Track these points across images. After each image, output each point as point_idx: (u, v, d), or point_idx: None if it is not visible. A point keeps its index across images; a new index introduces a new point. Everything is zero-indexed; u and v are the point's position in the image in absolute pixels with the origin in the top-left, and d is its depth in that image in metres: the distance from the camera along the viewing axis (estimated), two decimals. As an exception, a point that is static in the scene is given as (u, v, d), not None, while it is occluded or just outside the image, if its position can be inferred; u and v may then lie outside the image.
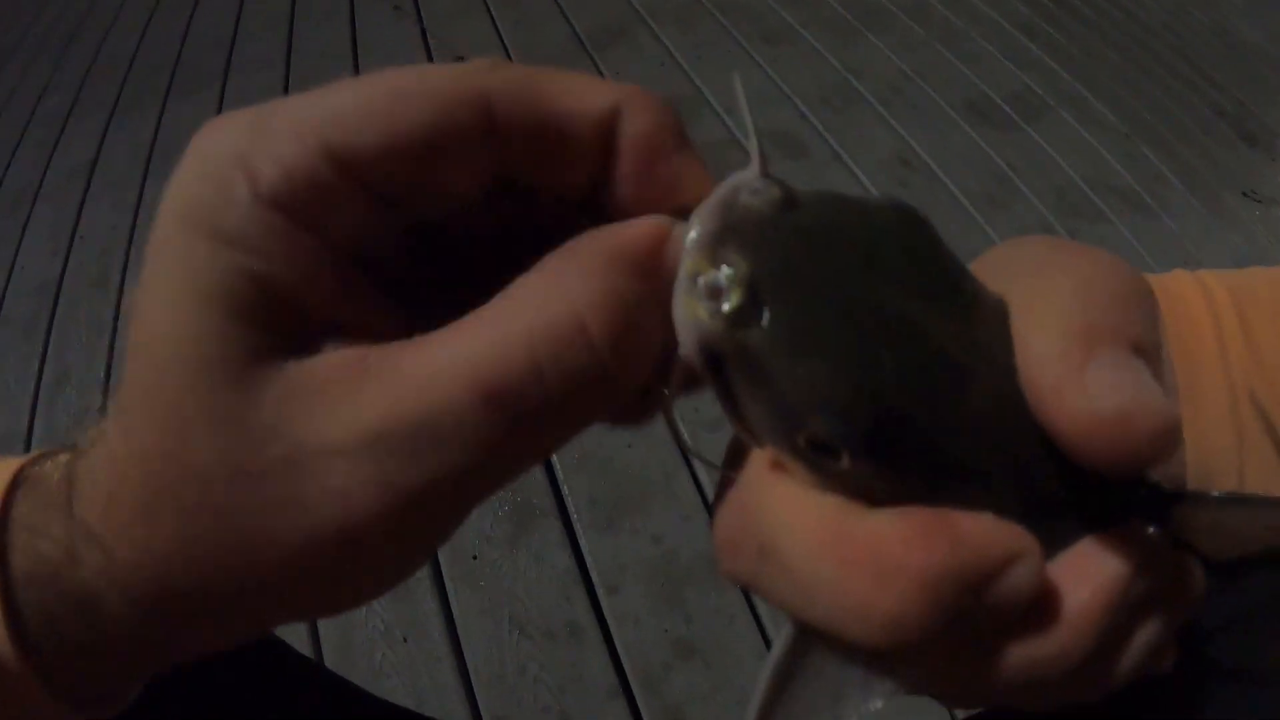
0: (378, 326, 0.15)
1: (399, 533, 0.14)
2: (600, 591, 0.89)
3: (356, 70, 1.66)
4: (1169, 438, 0.13)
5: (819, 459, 0.14)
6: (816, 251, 0.14)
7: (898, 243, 0.15)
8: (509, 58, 1.62)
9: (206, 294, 0.14)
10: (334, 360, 0.14)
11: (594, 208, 0.16)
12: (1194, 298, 0.23)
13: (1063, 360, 0.14)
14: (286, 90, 1.65)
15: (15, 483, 0.17)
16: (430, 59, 1.64)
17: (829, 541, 0.14)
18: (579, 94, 0.15)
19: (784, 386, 0.13)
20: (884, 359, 0.13)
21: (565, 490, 0.96)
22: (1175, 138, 1.40)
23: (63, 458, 0.17)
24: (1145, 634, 0.15)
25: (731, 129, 1.39)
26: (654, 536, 0.92)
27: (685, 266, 0.14)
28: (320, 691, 0.33)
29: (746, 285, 0.13)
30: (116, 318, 1.31)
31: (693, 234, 0.14)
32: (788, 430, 0.14)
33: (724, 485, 0.16)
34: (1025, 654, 0.14)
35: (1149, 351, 0.14)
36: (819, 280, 0.14)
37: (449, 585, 0.91)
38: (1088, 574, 0.14)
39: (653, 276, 0.14)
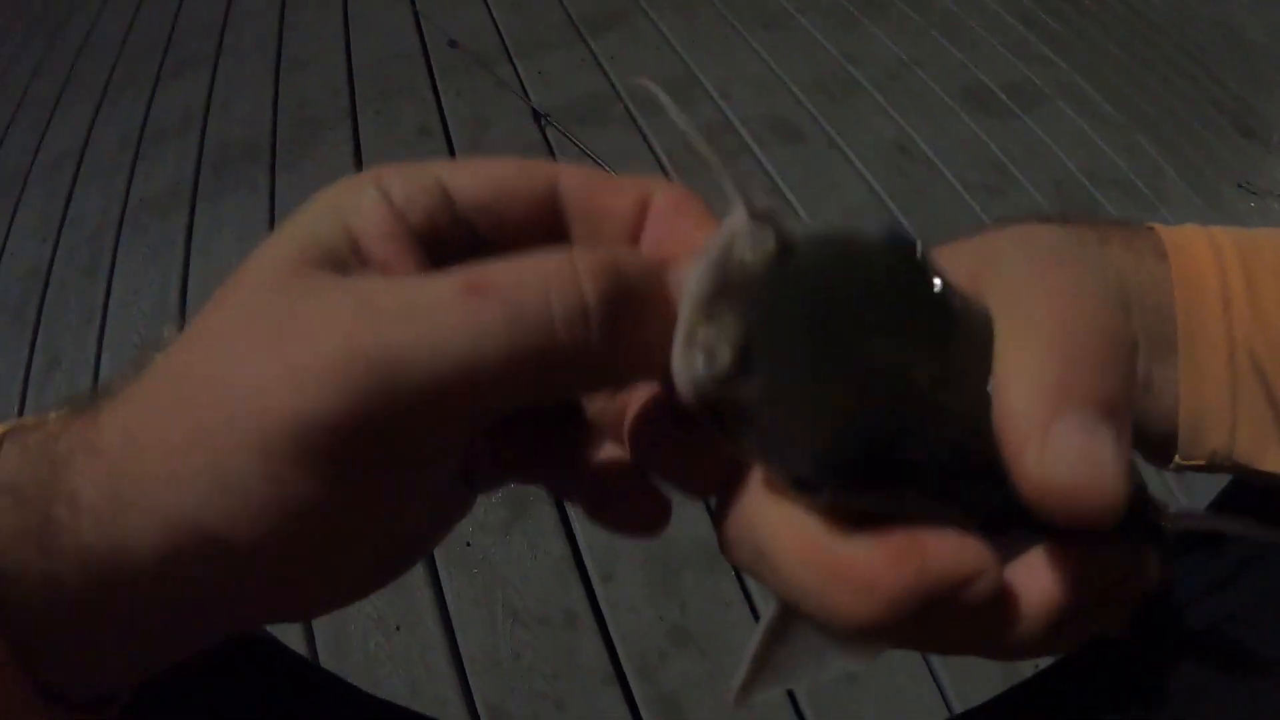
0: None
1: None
2: (595, 579, 0.89)
3: (349, 54, 1.64)
4: (1112, 513, 0.14)
5: (803, 492, 0.16)
6: (805, 307, 0.15)
7: (888, 286, 0.16)
8: (502, 42, 1.61)
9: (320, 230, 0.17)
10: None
11: None
12: (1203, 253, 0.23)
13: (1029, 417, 0.14)
14: (278, 75, 1.63)
15: None
16: (423, 43, 1.62)
17: (814, 559, 0.16)
18: (623, 191, 0.18)
19: (770, 434, 0.15)
20: (861, 410, 0.15)
21: (560, 477, 0.96)
22: (1173, 130, 1.40)
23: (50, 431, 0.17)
24: (1094, 617, 0.17)
25: (727, 113, 1.38)
26: (649, 524, 0.92)
27: (682, 322, 0.15)
28: (313, 691, 0.32)
29: (736, 346, 0.15)
30: (106, 304, 1.30)
31: (689, 291, 0.15)
32: (774, 468, 0.16)
33: (725, 491, 0.18)
34: (983, 638, 0.16)
35: (1119, 411, 0.15)
36: (806, 337, 0.15)
37: (442, 573, 0.90)
38: (1040, 579, 0.16)
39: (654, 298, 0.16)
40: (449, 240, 0.17)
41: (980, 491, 0.16)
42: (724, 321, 0.15)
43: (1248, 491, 0.30)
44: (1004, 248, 0.18)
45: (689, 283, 0.15)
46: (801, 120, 1.38)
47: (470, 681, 0.84)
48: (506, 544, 0.91)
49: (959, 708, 0.81)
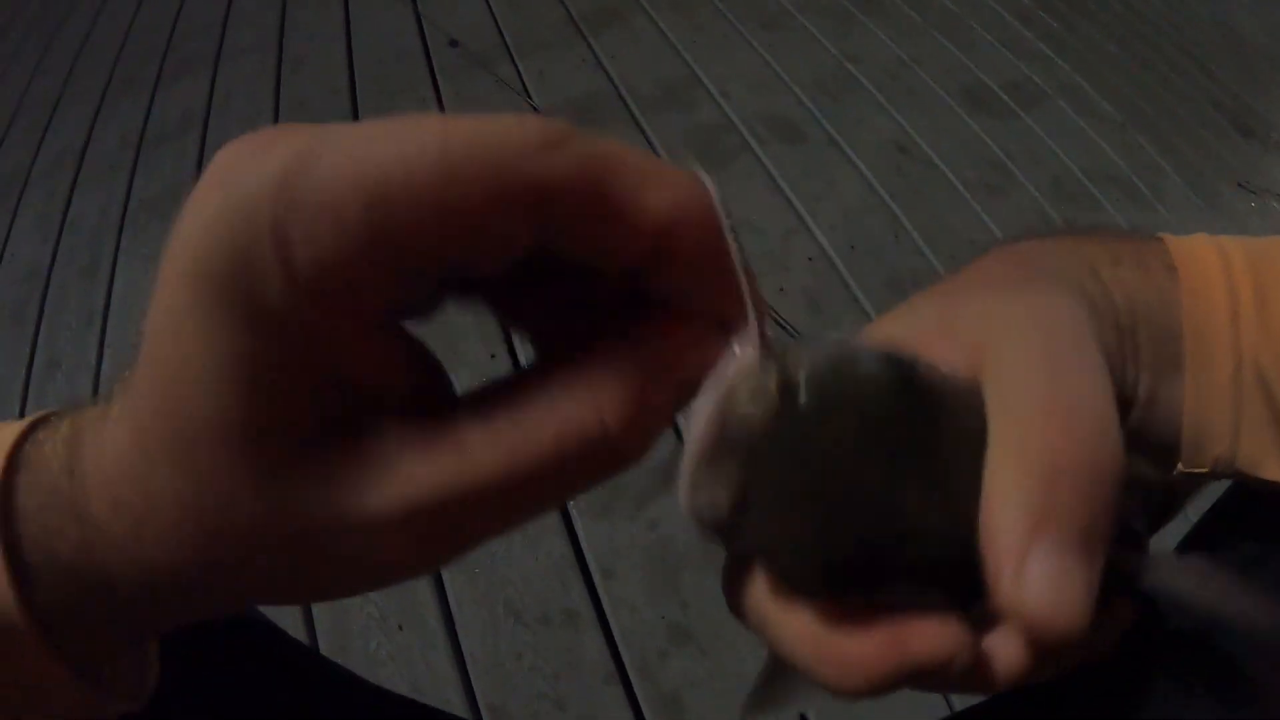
0: (406, 377, 0.16)
1: (413, 568, 0.17)
2: (596, 577, 0.89)
3: (350, 54, 1.65)
4: (1074, 636, 0.15)
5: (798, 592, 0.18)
6: (802, 454, 0.16)
7: (881, 421, 0.17)
8: (503, 41, 1.61)
9: (238, 381, 0.14)
10: (377, 439, 0.16)
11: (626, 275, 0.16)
12: (1211, 265, 0.23)
13: (1009, 541, 0.16)
14: (278, 76, 1.63)
15: (15, 453, 0.17)
16: (424, 42, 1.62)
17: (808, 644, 0.18)
18: (644, 192, 0.15)
19: (768, 554, 0.18)
20: (845, 537, 0.17)
21: (561, 477, 0.96)
22: (1172, 129, 1.40)
23: (60, 442, 0.18)
24: (1068, 658, 0.19)
25: (727, 112, 1.38)
26: (650, 522, 0.92)
27: (686, 465, 0.17)
28: (318, 680, 0.32)
29: (735, 494, 0.17)
30: (107, 306, 1.30)
31: (693, 439, 0.17)
32: (774, 574, 0.18)
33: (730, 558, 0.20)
34: (963, 689, 0.19)
35: (1094, 538, 0.16)
36: (801, 479, 0.17)
37: (444, 572, 0.90)
38: (1011, 647, 0.18)
39: (673, 388, 0.17)
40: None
41: (962, 577, 0.17)
42: (725, 470, 0.16)
43: (1248, 496, 0.30)
44: (1009, 327, 0.19)
45: (694, 427, 0.16)
46: (801, 119, 1.38)
47: (472, 681, 0.84)
48: (508, 543, 0.91)
49: (959, 705, 0.81)
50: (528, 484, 0.15)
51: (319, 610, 0.90)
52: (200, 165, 1.50)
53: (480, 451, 0.15)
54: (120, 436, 0.16)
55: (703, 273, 0.16)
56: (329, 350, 0.15)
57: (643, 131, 1.36)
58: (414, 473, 0.15)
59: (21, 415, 0.19)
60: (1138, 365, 0.23)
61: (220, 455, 0.15)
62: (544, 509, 0.17)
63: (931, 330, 0.20)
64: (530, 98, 1.45)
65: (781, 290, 1.11)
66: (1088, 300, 0.22)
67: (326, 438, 0.15)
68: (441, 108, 1.47)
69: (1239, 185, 1.30)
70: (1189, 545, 0.33)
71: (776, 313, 1.06)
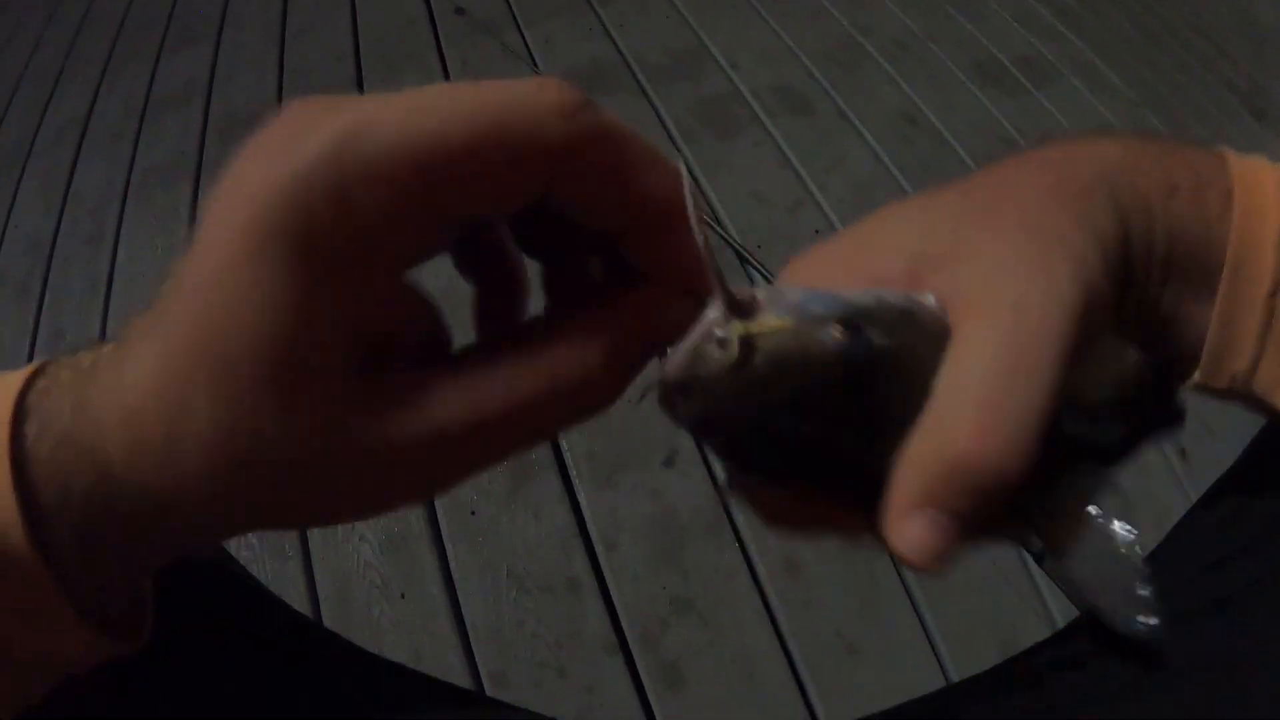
0: (419, 325, 0.19)
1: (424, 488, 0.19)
2: (599, 547, 0.89)
3: (354, 20, 1.63)
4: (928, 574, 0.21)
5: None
6: (748, 404, 0.20)
7: (824, 386, 0.20)
8: (509, 8, 1.59)
9: (290, 322, 0.16)
10: (399, 377, 0.18)
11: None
12: (1269, 189, 0.23)
13: (901, 501, 0.20)
14: (282, 43, 1.62)
15: (30, 381, 0.18)
16: (429, 10, 1.60)
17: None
18: (640, 171, 0.18)
19: (719, 457, 0.23)
20: (774, 465, 0.21)
21: (564, 445, 0.96)
22: (1184, 109, 1.38)
23: (81, 361, 0.19)
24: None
25: (736, 82, 1.36)
26: (653, 492, 0.92)
27: (660, 390, 0.20)
28: (319, 652, 0.32)
29: (693, 424, 0.20)
30: (111, 276, 1.30)
31: (666, 370, 0.20)
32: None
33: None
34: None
35: (965, 524, 0.20)
36: (745, 423, 0.20)
37: (447, 541, 0.90)
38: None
39: (645, 347, 0.20)
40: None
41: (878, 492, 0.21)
42: (686, 407, 0.20)
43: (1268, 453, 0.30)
44: (989, 307, 0.20)
45: (668, 364, 0.20)
46: (810, 91, 1.36)
47: (474, 649, 0.85)
48: (510, 512, 0.91)
49: (956, 677, 0.81)
50: (527, 415, 0.18)
51: (322, 578, 0.90)
52: (204, 134, 1.50)
53: (491, 388, 0.18)
54: (144, 371, 0.17)
55: (675, 247, 0.19)
56: (366, 297, 0.17)
57: (650, 101, 1.34)
58: (435, 404, 0.18)
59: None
60: (1164, 284, 0.24)
61: (264, 387, 0.17)
62: (537, 439, 0.20)
63: (931, 265, 0.22)
64: (536, 66, 1.43)
65: (788, 263, 1.10)
66: (1108, 239, 0.22)
67: (355, 375, 0.17)
68: (447, 75, 1.45)
69: None
70: (1219, 492, 0.33)
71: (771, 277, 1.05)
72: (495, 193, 0.17)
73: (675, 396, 0.20)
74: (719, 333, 0.19)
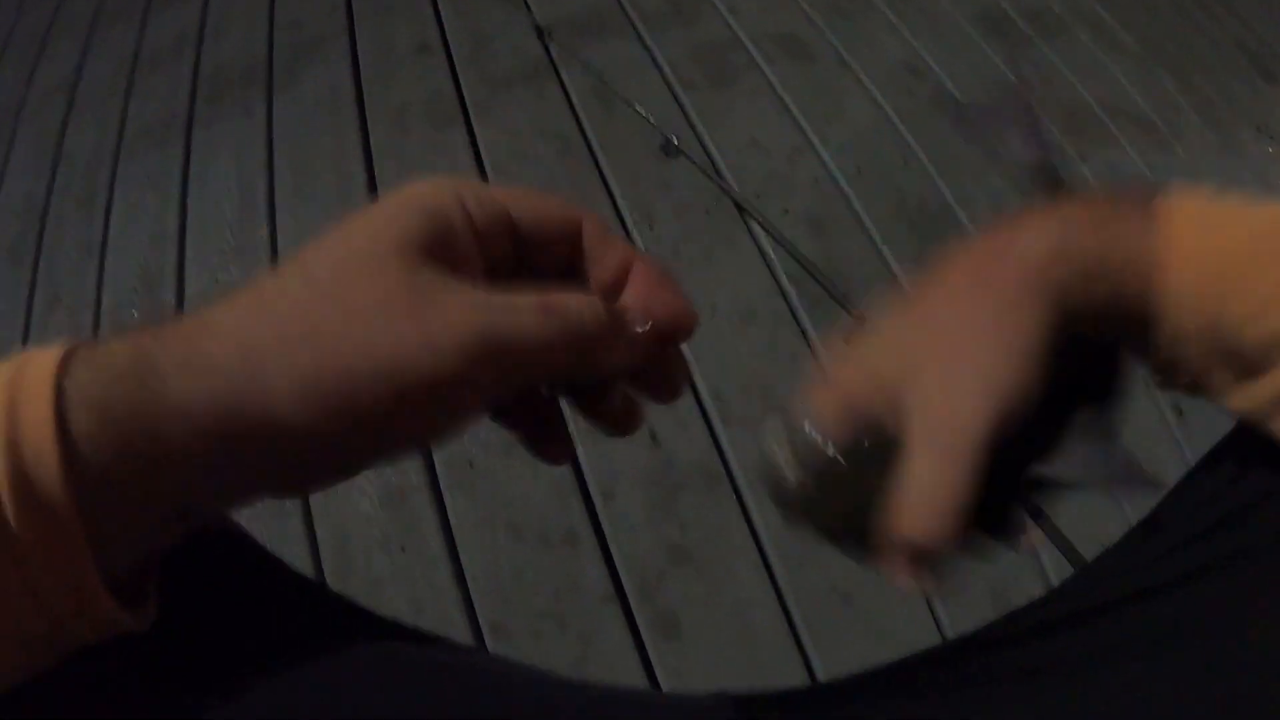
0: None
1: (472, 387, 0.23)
2: (596, 498, 0.89)
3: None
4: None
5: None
6: (835, 474, 0.31)
7: (855, 472, 0.31)
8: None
9: (419, 255, 0.23)
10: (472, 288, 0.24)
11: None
12: (1199, 236, 0.29)
13: (883, 556, 0.31)
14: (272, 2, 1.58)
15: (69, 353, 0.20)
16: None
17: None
18: (617, 249, 0.27)
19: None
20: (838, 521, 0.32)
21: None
22: (1194, 68, 1.34)
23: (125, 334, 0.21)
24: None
25: (734, 28, 1.33)
26: (651, 442, 0.91)
27: (767, 449, 0.31)
28: (313, 607, 0.32)
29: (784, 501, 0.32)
30: (105, 236, 1.29)
31: (774, 437, 0.31)
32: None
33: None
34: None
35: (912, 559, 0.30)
36: (810, 503, 0.31)
37: (445, 493, 0.91)
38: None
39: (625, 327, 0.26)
40: (497, 247, 0.25)
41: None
42: (790, 465, 0.31)
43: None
44: (916, 419, 0.29)
45: (776, 427, 0.31)
46: (811, 37, 1.33)
47: (473, 600, 0.85)
48: (508, 464, 0.91)
49: (950, 629, 0.81)
50: (556, 339, 0.23)
51: (322, 532, 0.91)
52: (194, 90, 1.48)
53: (535, 314, 0.23)
54: (258, 301, 0.22)
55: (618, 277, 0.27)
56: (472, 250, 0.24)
57: (646, 47, 1.31)
58: (481, 313, 0.23)
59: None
60: (1108, 330, 0.31)
61: (366, 262, 0.22)
62: (554, 366, 0.24)
63: (889, 391, 0.30)
64: (531, 11, 1.40)
65: (786, 212, 1.08)
66: (1032, 335, 0.29)
67: (444, 280, 0.23)
68: (440, 24, 1.42)
69: (1258, 130, 1.25)
70: (1217, 457, 0.33)
71: (780, 233, 1.04)
72: (543, 231, 0.26)
73: (779, 497, 0.31)
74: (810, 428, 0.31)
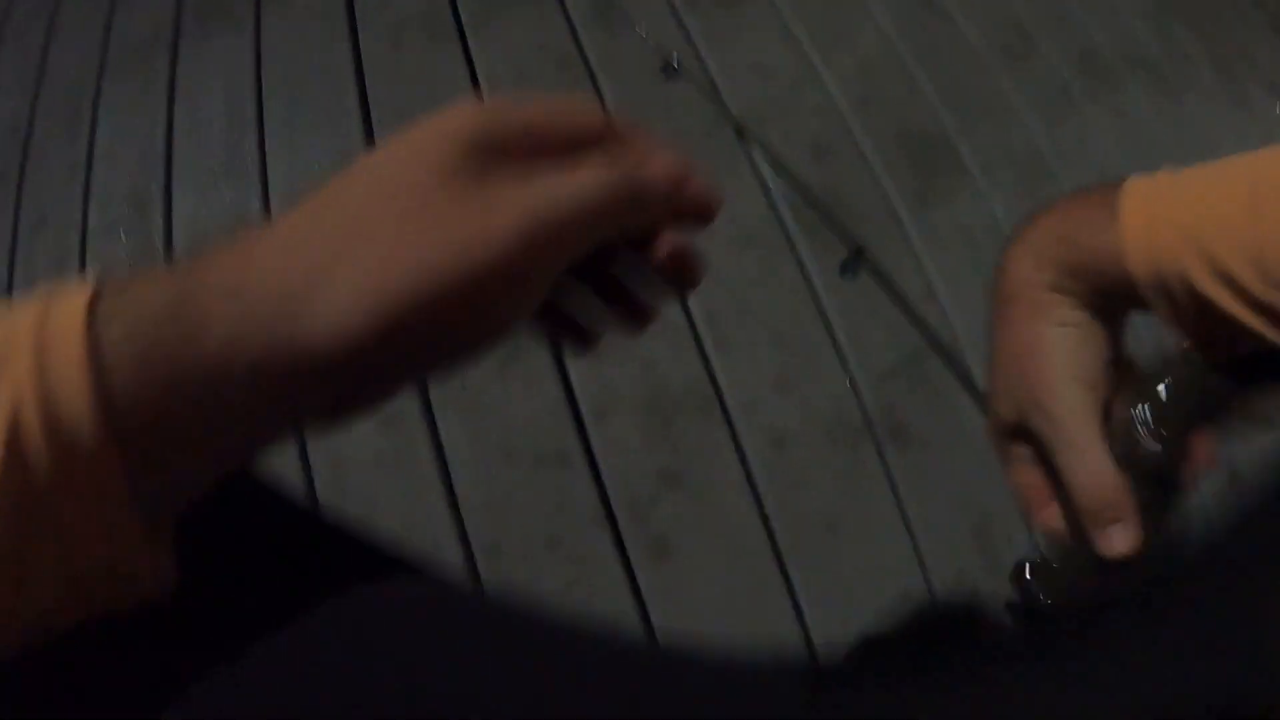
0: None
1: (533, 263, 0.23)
2: (589, 420, 0.88)
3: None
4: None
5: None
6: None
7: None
8: None
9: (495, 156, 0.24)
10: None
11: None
12: (1166, 223, 0.31)
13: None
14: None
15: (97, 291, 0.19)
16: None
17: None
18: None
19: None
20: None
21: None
22: (1210, 20, 1.31)
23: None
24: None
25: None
26: (644, 366, 0.91)
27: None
28: (311, 531, 0.31)
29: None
30: (90, 158, 1.26)
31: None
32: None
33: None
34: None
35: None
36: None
37: (438, 414, 0.90)
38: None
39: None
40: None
41: None
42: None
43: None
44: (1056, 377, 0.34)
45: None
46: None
47: (465, 521, 0.85)
48: (501, 384, 0.91)
49: (930, 561, 0.81)
50: (608, 206, 0.24)
51: (315, 454, 0.90)
52: (181, 3, 1.43)
53: (594, 169, 0.24)
54: (296, 233, 0.21)
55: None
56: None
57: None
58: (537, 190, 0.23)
59: (11, 274, 0.19)
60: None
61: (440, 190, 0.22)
62: (606, 227, 0.25)
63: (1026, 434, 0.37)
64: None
65: (786, 137, 1.06)
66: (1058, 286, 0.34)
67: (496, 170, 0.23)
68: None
69: (1269, 88, 1.23)
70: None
71: (780, 159, 1.02)
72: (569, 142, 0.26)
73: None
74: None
